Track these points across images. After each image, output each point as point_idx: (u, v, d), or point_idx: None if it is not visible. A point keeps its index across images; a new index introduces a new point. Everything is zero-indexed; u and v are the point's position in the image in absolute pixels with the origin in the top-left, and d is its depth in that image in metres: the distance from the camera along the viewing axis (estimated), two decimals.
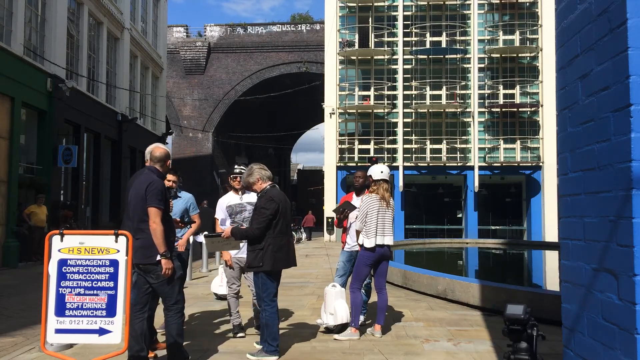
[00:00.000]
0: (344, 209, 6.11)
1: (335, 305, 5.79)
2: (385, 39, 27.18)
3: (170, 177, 5.56)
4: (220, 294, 8.15)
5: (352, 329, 5.67)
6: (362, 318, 6.29)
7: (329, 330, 5.84)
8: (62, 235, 4.10)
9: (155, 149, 4.71)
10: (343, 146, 27.03)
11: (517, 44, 26.42)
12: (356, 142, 27.09)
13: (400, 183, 25.83)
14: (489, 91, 26.80)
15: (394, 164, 25.87)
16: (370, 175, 5.91)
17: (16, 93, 14.44)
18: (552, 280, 11.23)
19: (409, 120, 26.77)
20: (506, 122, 26.65)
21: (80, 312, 4.01)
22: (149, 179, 4.44)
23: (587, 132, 2.62)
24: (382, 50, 26.70)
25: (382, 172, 5.85)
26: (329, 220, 25.55)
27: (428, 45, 27.09)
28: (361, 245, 5.77)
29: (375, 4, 27.25)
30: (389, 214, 5.80)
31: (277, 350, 4.83)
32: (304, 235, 28.28)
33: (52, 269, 4.04)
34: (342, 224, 6.24)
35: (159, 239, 4.28)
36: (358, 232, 5.83)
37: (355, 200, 6.37)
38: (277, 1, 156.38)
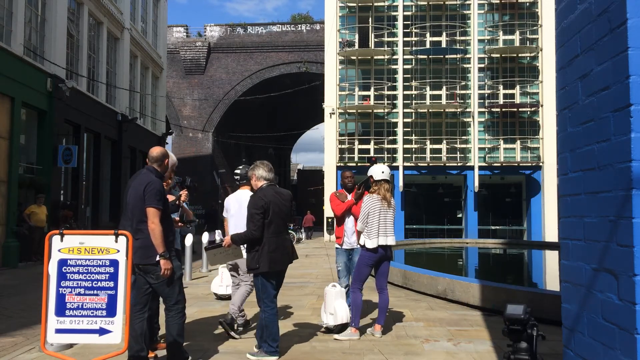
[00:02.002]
0: (363, 185, 6.11)
1: (335, 305, 5.79)
2: (385, 39, 27.18)
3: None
4: (220, 294, 8.15)
5: (352, 329, 5.66)
6: None
7: (329, 330, 5.84)
8: (62, 235, 4.10)
9: (153, 149, 4.72)
10: (343, 146, 27.03)
11: (517, 44, 26.41)
12: (356, 142, 27.09)
13: (400, 183, 25.83)
14: (489, 91, 26.79)
15: (394, 164, 25.87)
16: (372, 176, 5.90)
17: (16, 93, 14.44)
18: (552, 280, 11.23)
19: (409, 120, 26.76)
20: (506, 122, 26.64)
21: (80, 312, 4.01)
22: (147, 179, 4.44)
23: (587, 132, 2.62)
24: (382, 50, 26.70)
25: (383, 172, 5.85)
26: (329, 220, 25.55)
27: (428, 45, 27.08)
28: (362, 246, 5.76)
29: (375, 4, 27.25)
30: (390, 214, 5.79)
31: (276, 350, 4.83)
32: (304, 235, 28.32)
33: (52, 269, 4.04)
34: (358, 198, 6.18)
35: (158, 240, 4.28)
36: (359, 233, 5.83)
37: (349, 198, 6.43)
38: (280, 1, 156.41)
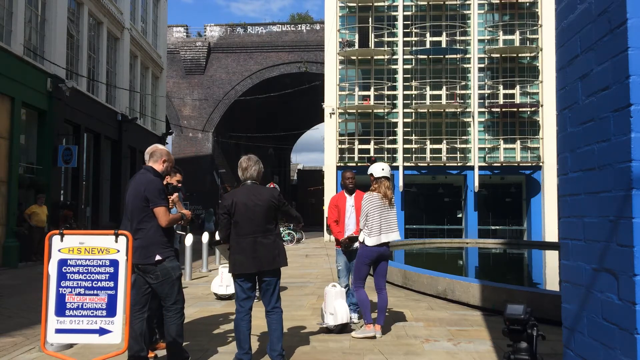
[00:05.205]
0: (350, 241, 6.27)
1: (335, 305, 5.79)
2: (385, 39, 27.18)
3: (176, 177, 5.34)
4: (220, 294, 8.14)
5: (366, 326, 5.70)
6: (355, 316, 6.32)
7: (329, 330, 5.84)
8: (62, 235, 4.09)
9: (153, 149, 4.70)
10: (343, 146, 27.03)
11: (517, 44, 26.42)
12: (356, 142, 27.10)
13: (400, 183, 25.83)
14: (489, 91, 26.79)
15: (394, 164, 25.86)
16: (372, 174, 5.90)
17: (16, 93, 14.44)
18: (552, 280, 11.23)
19: (409, 120, 26.77)
20: (506, 122, 26.65)
21: (80, 312, 4.01)
22: (147, 179, 4.43)
23: (587, 132, 2.62)
24: (382, 50, 26.70)
25: (383, 169, 5.85)
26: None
27: (428, 45, 27.08)
28: (362, 243, 5.77)
29: (375, 4, 27.25)
30: (392, 212, 5.80)
31: (241, 359, 4.54)
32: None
33: (52, 269, 4.04)
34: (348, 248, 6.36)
35: (177, 218, 4.58)
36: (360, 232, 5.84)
37: (349, 199, 6.43)
38: (286, 1, 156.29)
